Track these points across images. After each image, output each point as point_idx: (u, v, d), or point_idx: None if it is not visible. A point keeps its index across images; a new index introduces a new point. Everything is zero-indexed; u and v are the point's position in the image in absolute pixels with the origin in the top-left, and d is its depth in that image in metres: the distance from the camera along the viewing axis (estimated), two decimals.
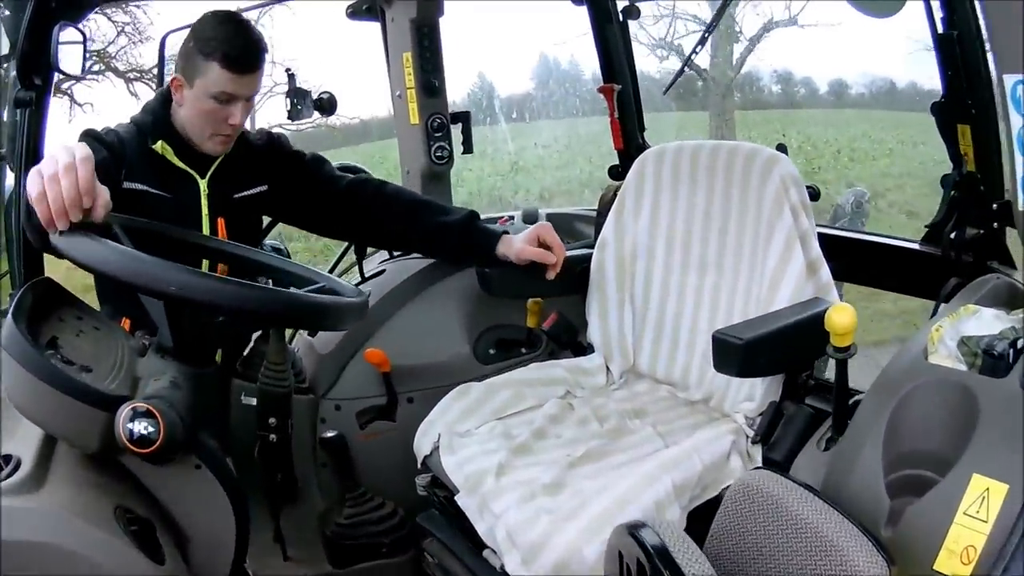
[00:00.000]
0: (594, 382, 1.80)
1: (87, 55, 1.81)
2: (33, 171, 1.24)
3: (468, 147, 2.40)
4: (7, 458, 1.22)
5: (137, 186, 1.69)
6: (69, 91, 9.73)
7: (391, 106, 2.36)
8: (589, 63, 10.41)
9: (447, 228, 1.87)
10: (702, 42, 2.72)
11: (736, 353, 1.36)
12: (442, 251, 1.97)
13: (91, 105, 9.91)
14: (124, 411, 1.18)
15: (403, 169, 2.36)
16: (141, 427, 1.18)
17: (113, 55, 9.89)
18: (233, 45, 1.66)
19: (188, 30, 1.71)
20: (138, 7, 9.53)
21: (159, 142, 1.73)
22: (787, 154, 1.68)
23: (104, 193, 1.25)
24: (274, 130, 1.99)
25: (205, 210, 1.77)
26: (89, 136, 1.68)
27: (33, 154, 1.78)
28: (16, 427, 1.26)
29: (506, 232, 1.86)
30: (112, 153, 1.65)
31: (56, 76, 1.77)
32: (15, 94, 1.71)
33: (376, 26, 2.37)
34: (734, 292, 1.69)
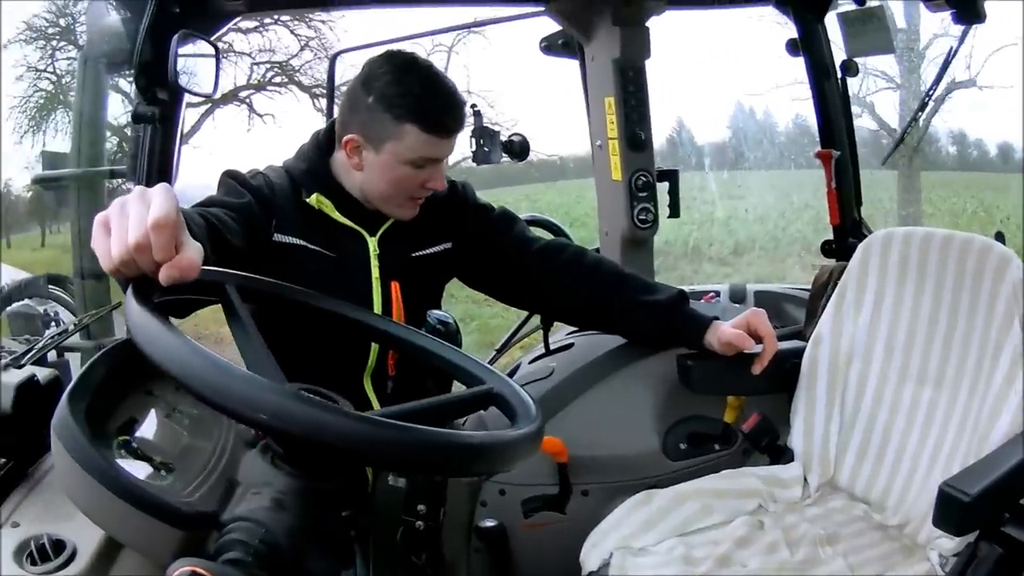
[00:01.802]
0: (789, 496, 1.64)
1: (219, 73, 1.62)
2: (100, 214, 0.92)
3: (675, 211, 2.20)
4: (59, 544, 0.99)
5: (292, 240, 1.49)
6: (248, 100, 10.03)
7: (590, 150, 2.17)
8: (782, 116, 10.11)
9: (652, 308, 1.66)
10: (922, 107, 2.49)
11: (962, 511, 1.19)
12: (642, 333, 1.74)
13: (272, 116, 9.92)
14: (177, 572, 0.87)
15: (601, 230, 2.17)
16: None
17: (297, 69, 10.14)
18: (432, 104, 1.44)
19: (359, 63, 1.48)
20: (323, 23, 9.80)
21: (315, 195, 1.50)
22: (1005, 243, 1.50)
23: (192, 249, 0.89)
24: (466, 164, 1.85)
25: (376, 272, 1.55)
26: (231, 178, 1.48)
27: (159, 176, 1.59)
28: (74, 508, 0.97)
29: (716, 318, 1.66)
30: (259, 199, 1.45)
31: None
32: (136, 107, 1.55)
33: (573, 63, 2.22)
34: (950, 413, 1.51)
